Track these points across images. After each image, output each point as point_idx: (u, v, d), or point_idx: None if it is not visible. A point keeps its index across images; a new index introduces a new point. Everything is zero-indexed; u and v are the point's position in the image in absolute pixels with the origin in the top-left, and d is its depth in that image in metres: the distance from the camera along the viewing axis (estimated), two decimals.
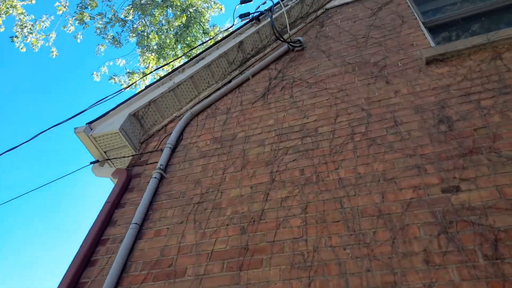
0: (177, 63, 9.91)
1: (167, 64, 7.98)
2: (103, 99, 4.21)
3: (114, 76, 9.87)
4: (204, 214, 2.76)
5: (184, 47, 11.22)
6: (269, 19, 4.52)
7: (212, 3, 11.06)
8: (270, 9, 4.53)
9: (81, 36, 10.14)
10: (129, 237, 2.74)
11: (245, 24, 4.54)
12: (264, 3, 4.50)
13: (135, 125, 3.91)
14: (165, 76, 4.20)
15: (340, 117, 3.04)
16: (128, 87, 7.06)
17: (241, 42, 4.39)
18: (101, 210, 3.10)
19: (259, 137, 3.27)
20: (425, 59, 3.11)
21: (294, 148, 2.96)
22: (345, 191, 2.41)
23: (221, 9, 10.80)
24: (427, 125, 2.59)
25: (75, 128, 3.76)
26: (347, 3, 4.71)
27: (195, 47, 9.63)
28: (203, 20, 11.24)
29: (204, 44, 9.33)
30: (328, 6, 4.81)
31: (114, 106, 3.96)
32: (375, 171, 2.45)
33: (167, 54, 10.80)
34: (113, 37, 10.09)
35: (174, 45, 10.29)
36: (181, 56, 9.26)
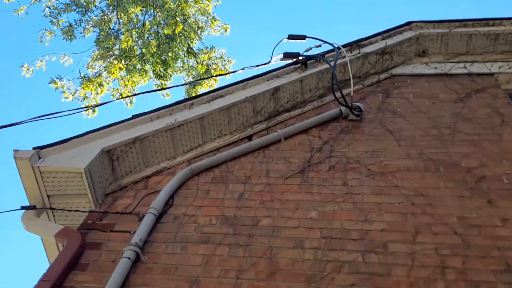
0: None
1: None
2: (54, 113, 3.85)
3: (57, 79, 9.48)
4: None
5: (157, 63, 11.17)
6: (319, 68, 4.55)
7: (211, 18, 11.26)
8: (323, 55, 4.58)
9: (24, 11, 9.87)
10: None
11: (286, 65, 4.53)
12: (319, 46, 4.53)
13: (105, 167, 3.61)
14: (163, 107, 4.00)
15: (422, 236, 2.93)
16: (97, 105, 6.72)
17: (277, 89, 4.33)
18: None
19: (296, 233, 3.08)
20: None
21: (352, 265, 2.78)
22: None
23: (226, 29, 10.98)
24: None
25: (16, 151, 3.42)
26: (421, 75, 4.86)
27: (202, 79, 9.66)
28: (193, 36, 11.35)
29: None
30: (394, 72, 4.94)
31: (82, 132, 3.68)
32: None
33: (133, 67, 10.67)
34: (70, 24, 9.86)
35: (151, 58, 10.20)
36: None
